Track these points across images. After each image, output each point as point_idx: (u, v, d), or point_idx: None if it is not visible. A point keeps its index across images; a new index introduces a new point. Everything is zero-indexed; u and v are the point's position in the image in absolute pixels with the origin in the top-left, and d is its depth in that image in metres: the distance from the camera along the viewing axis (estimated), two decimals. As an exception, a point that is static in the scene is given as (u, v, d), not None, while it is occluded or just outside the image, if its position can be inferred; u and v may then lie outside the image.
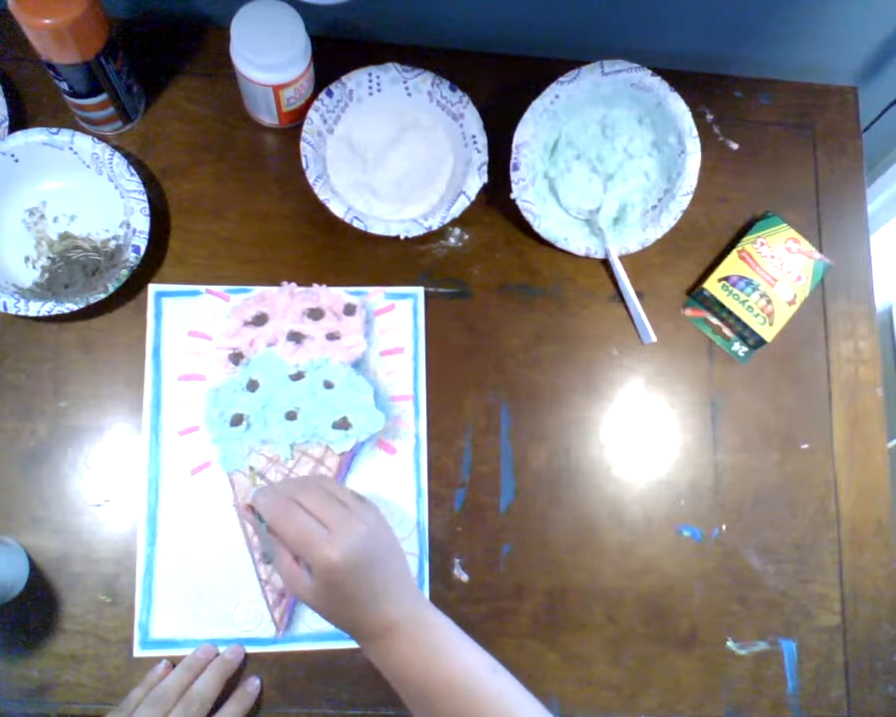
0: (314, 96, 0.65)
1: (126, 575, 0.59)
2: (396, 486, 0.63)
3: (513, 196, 0.65)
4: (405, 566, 0.52)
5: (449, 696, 0.48)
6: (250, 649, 0.60)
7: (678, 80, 0.65)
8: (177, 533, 0.60)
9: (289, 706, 0.60)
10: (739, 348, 0.69)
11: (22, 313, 0.58)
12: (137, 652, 0.59)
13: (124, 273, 0.60)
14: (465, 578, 0.63)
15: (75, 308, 0.59)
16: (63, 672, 0.58)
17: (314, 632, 0.60)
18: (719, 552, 0.66)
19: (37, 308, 0.58)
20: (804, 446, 0.69)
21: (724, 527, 0.66)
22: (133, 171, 0.62)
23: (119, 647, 0.59)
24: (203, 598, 0.60)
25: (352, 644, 0.60)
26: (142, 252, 0.61)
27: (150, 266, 0.64)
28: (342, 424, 0.61)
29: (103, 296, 0.60)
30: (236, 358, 0.63)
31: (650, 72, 0.64)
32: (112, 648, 0.59)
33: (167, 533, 0.60)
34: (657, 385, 0.68)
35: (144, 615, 0.59)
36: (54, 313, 0.59)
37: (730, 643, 0.64)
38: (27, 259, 0.63)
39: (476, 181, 0.64)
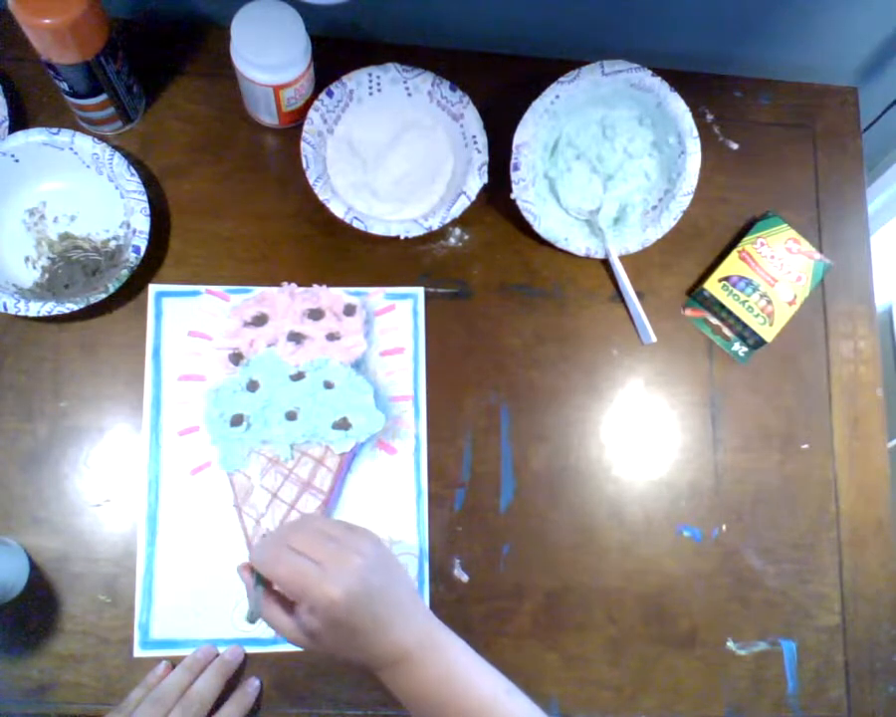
0: (314, 96, 0.65)
1: (126, 575, 0.59)
2: (396, 486, 0.63)
3: (513, 196, 0.65)
4: (411, 589, 0.51)
5: None
6: (250, 649, 0.60)
7: (678, 80, 0.65)
8: (177, 533, 0.60)
9: (289, 706, 0.60)
10: (739, 348, 0.70)
11: (22, 313, 0.58)
12: (137, 653, 0.59)
13: (125, 273, 0.60)
14: (465, 578, 0.63)
15: (75, 308, 0.59)
16: (63, 672, 0.58)
17: None
18: (719, 552, 0.66)
19: (37, 308, 0.58)
20: (805, 446, 0.69)
21: (724, 527, 0.66)
22: (133, 171, 0.62)
23: (119, 647, 0.59)
24: (203, 599, 0.60)
25: None
26: (142, 252, 0.61)
27: (150, 266, 0.64)
28: (343, 424, 0.61)
29: (103, 296, 0.60)
30: (236, 358, 0.63)
31: (650, 72, 0.64)
32: (112, 648, 0.59)
33: (167, 533, 0.60)
34: (657, 386, 0.68)
35: (144, 616, 0.59)
36: (54, 313, 0.59)
37: (730, 644, 0.64)
38: (27, 259, 0.63)
39: (476, 181, 0.65)
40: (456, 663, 0.49)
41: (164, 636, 0.59)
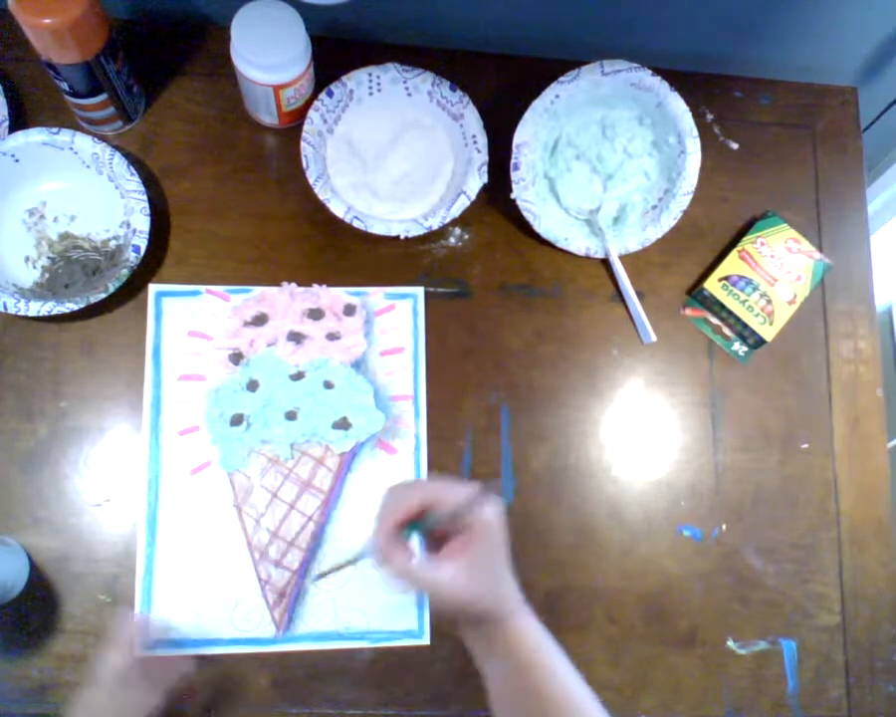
0: (314, 96, 0.65)
1: (126, 575, 0.59)
2: (396, 486, 0.63)
3: (513, 196, 0.65)
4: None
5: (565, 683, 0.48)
6: (250, 649, 0.59)
7: (678, 80, 0.65)
8: (177, 533, 0.60)
9: (289, 706, 0.59)
10: (739, 347, 0.69)
11: (22, 313, 0.58)
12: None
13: (125, 273, 0.60)
14: (465, 578, 0.63)
15: (75, 307, 0.59)
16: (63, 672, 0.58)
17: (313, 632, 0.60)
18: (719, 552, 0.66)
19: (37, 308, 0.58)
20: (805, 446, 0.69)
21: (724, 527, 0.66)
22: (134, 171, 0.62)
23: (120, 647, 0.59)
24: (203, 599, 0.60)
25: (352, 644, 0.60)
26: (142, 252, 0.61)
27: (150, 266, 0.64)
28: (342, 424, 0.61)
29: (103, 295, 0.60)
30: (236, 358, 0.63)
31: (650, 72, 0.64)
32: (113, 648, 0.59)
33: (167, 533, 0.60)
34: (657, 385, 0.68)
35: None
36: (54, 313, 0.59)
37: (730, 643, 0.64)
38: (27, 259, 0.63)
39: (476, 181, 0.65)
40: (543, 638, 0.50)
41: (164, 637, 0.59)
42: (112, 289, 0.60)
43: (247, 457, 0.61)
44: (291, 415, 0.61)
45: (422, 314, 0.66)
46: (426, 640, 0.61)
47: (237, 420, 0.61)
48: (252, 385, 0.62)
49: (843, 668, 0.65)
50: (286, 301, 0.64)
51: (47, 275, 0.63)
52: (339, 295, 0.64)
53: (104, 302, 0.60)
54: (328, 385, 0.62)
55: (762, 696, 0.64)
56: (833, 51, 0.73)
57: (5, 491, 0.60)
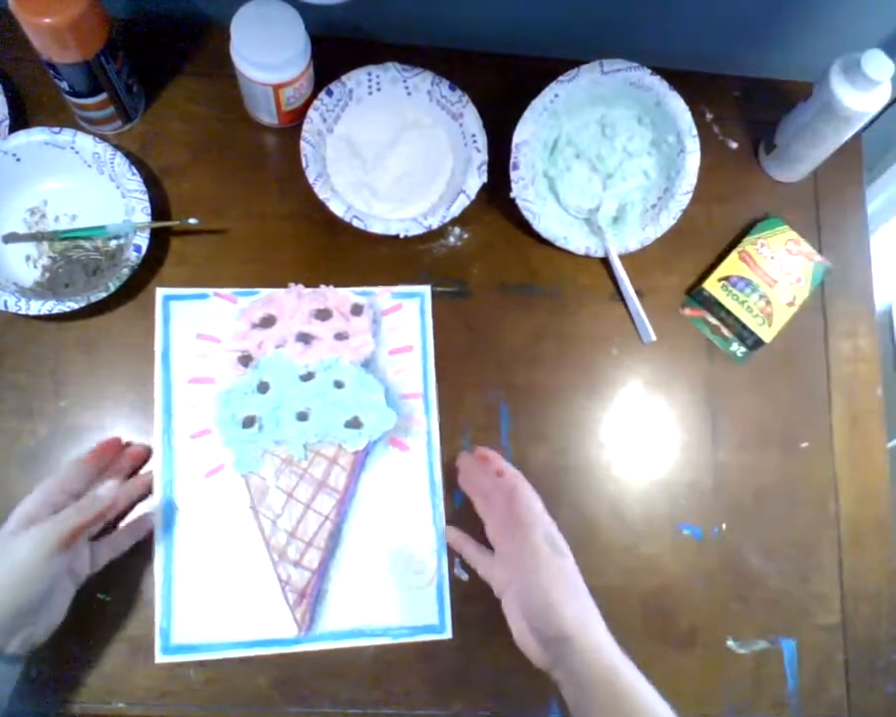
0: (313, 95, 0.66)
1: (126, 573, 0.59)
2: (410, 483, 0.63)
3: (512, 195, 0.65)
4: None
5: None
6: (256, 652, 0.59)
7: (678, 79, 0.66)
8: (194, 537, 0.60)
9: (289, 705, 0.59)
10: (737, 348, 0.70)
11: (23, 312, 0.58)
12: (159, 658, 0.58)
13: (125, 272, 0.61)
14: (465, 576, 0.63)
15: (76, 306, 0.59)
16: (62, 671, 0.58)
17: (335, 631, 0.60)
18: (719, 551, 0.66)
19: (38, 306, 0.58)
20: (804, 445, 0.69)
21: (724, 526, 0.66)
22: (135, 171, 0.62)
23: (119, 646, 0.58)
24: (223, 601, 0.59)
25: (359, 642, 0.60)
26: (143, 251, 0.61)
27: (151, 265, 0.64)
28: (354, 423, 0.61)
29: (104, 295, 0.60)
30: (245, 360, 0.63)
31: (649, 71, 0.65)
32: (112, 647, 0.58)
33: (184, 537, 0.60)
34: (657, 385, 0.68)
35: (165, 621, 0.58)
36: (55, 311, 0.59)
37: (730, 642, 0.64)
38: (28, 258, 0.63)
39: (476, 180, 0.65)
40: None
41: (185, 641, 0.58)
42: (112, 288, 0.60)
43: (261, 458, 0.61)
44: (302, 416, 0.61)
45: (429, 312, 0.66)
46: (448, 634, 0.61)
47: (249, 422, 0.61)
48: (262, 387, 0.62)
49: (843, 668, 0.65)
50: (293, 302, 0.64)
51: (48, 274, 0.63)
52: (347, 295, 0.64)
53: (104, 301, 0.60)
54: (338, 385, 0.62)
55: (762, 695, 0.64)
56: (833, 51, 0.73)
57: (5, 491, 0.60)
